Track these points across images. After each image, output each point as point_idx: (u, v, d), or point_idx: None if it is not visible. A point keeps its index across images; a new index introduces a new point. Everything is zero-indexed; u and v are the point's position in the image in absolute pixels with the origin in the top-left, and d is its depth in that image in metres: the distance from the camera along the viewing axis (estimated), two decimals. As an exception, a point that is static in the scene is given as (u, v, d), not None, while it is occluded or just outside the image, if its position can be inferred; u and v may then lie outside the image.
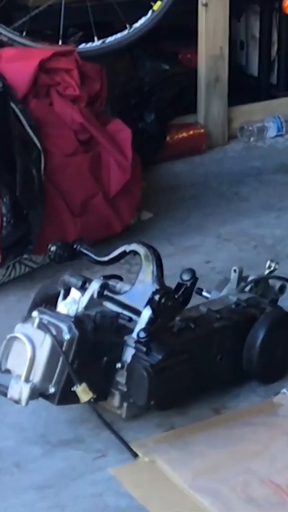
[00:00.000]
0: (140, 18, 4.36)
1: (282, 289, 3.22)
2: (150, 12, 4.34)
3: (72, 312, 2.80)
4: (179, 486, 2.59)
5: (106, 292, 2.90)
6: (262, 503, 2.51)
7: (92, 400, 2.69)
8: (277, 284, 3.23)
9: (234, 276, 3.16)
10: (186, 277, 2.93)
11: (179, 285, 2.91)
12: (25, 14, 4.38)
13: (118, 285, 2.98)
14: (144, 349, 2.74)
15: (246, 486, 2.55)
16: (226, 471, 2.61)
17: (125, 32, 4.33)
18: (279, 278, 3.25)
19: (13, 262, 3.62)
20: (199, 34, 4.79)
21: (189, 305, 2.98)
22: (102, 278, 2.95)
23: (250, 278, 3.19)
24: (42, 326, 2.70)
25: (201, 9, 4.72)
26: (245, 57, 5.35)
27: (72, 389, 2.65)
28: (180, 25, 4.79)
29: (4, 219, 3.44)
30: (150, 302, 2.81)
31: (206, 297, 3.14)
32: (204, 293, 3.15)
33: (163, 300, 2.79)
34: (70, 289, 2.89)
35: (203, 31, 4.76)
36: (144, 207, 4.13)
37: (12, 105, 3.57)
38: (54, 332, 2.68)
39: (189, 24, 4.76)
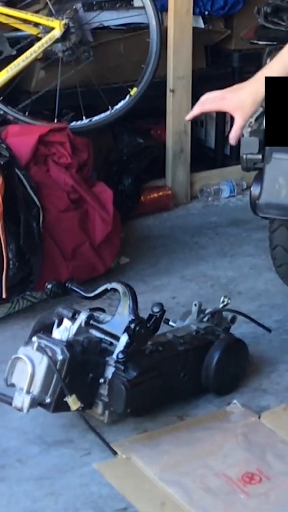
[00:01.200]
0: (120, 101, 4.30)
1: (233, 320, 3.24)
2: (128, 96, 4.30)
3: (64, 338, 2.83)
4: (150, 478, 2.60)
5: (91, 322, 2.93)
6: (217, 492, 2.53)
7: (80, 408, 2.72)
8: (229, 315, 3.24)
9: (194, 309, 3.18)
10: (156, 309, 2.95)
11: (150, 316, 2.93)
12: (27, 98, 4.29)
13: (101, 316, 3.00)
14: (122, 367, 2.78)
15: (203, 478, 2.58)
16: (187, 466, 2.66)
17: (108, 112, 4.28)
18: (230, 310, 3.27)
19: (17, 298, 3.61)
20: (167, 114, 4.73)
21: (158, 332, 2.99)
22: (88, 310, 2.98)
23: (207, 311, 3.20)
24: (40, 349, 2.73)
25: (169, 94, 4.66)
26: (204, 132, 5.26)
27: (64, 399, 2.69)
28: (152, 106, 4.70)
29: (11, 262, 3.43)
30: (127, 329, 2.83)
31: (172, 326, 3.15)
32: (171, 323, 3.15)
33: (137, 328, 2.82)
34: (63, 319, 2.93)
35: (170, 112, 4.69)
36: (122, 253, 4.08)
37: (17, 171, 3.57)
38: (50, 353, 2.70)
39: (159, 106, 4.68)
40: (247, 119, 2.58)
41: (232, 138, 2.60)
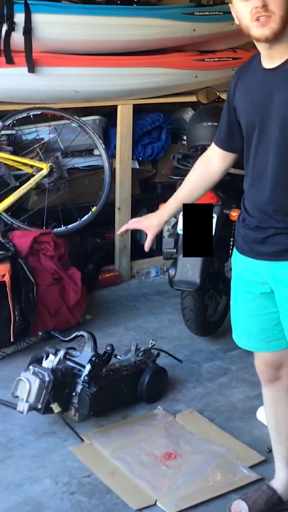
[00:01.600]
0: (85, 215, 4.29)
1: (157, 355, 3.32)
2: (90, 212, 4.29)
3: (50, 366, 2.92)
4: (104, 456, 2.74)
5: (67, 356, 3.02)
6: (147, 465, 2.68)
7: (60, 411, 2.85)
8: (155, 352, 3.32)
9: (133, 348, 3.28)
10: (108, 348, 3.04)
11: (104, 353, 3.03)
12: (26, 213, 4.23)
13: (74, 353, 3.08)
14: (87, 385, 2.88)
15: (139, 456, 2.73)
16: (128, 448, 2.79)
17: (77, 222, 4.27)
18: (156, 349, 3.34)
19: (20, 341, 3.62)
20: (115, 223, 4.67)
21: (110, 363, 3.08)
22: (65, 349, 3.05)
23: (141, 349, 3.29)
24: (34, 373, 2.86)
25: (116, 211, 4.64)
26: (139, 234, 4.92)
27: (50, 406, 2.81)
28: (106, 219, 4.62)
29: (16, 318, 3.46)
30: (90, 361, 2.94)
31: (119, 359, 3.22)
32: (118, 357, 3.22)
33: (96, 360, 2.94)
34: (49, 354, 3.01)
35: (117, 222, 4.63)
36: (87, 312, 4.07)
37: (19, 260, 3.62)
38: (40, 376, 2.83)
39: (110, 218, 4.65)
40: (155, 234, 2.48)
41: (146, 247, 2.51)
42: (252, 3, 1.94)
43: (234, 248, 2.32)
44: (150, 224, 2.46)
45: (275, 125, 2.04)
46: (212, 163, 2.38)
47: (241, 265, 2.27)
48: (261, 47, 2.05)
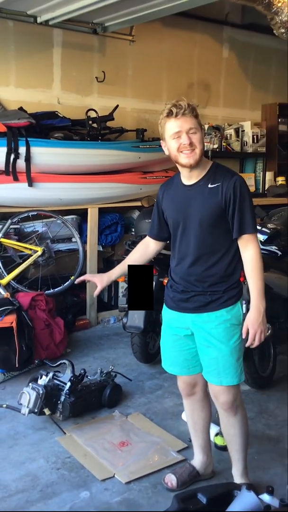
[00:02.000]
0: (66, 282, 4.27)
1: (115, 376, 3.33)
2: (70, 280, 4.29)
3: (43, 383, 2.97)
4: (79, 444, 2.83)
5: (54, 377, 3.06)
6: (108, 450, 2.75)
7: (50, 414, 2.92)
8: (114, 373, 3.35)
9: (98, 371, 3.32)
10: (82, 371, 3.15)
11: (79, 374, 3.10)
12: (26, 280, 4.17)
13: (59, 374, 3.10)
14: (68, 396, 2.98)
15: (103, 444, 2.80)
16: (96, 439, 2.85)
17: (61, 286, 4.23)
18: (114, 372, 3.37)
19: (23, 367, 3.60)
20: (86, 288, 4.58)
21: (83, 381, 3.13)
22: (53, 372, 3.09)
23: (104, 371, 3.31)
24: (33, 388, 2.97)
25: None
26: (104, 295, 4.98)
27: (43, 410, 2.92)
28: (79, 285, 4.02)
29: (21, 352, 3.46)
30: (70, 380, 3.04)
31: (89, 378, 3.22)
32: (88, 377, 3.22)
33: (74, 380, 3.05)
34: (42, 375, 3.05)
35: (88, 287, 4.55)
36: (67, 347, 4.02)
37: (22, 312, 3.62)
38: (36, 390, 2.92)
39: (83, 285, 4.41)
40: (102, 287, 2.44)
41: (95, 294, 2.47)
42: (181, 141, 2.06)
43: (164, 305, 2.37)
44: (101, 279, 2.44)
45: (194, 223, 2.14)
46: (149, 246, 2.45)
47: (169, 316, 2.32)
48: (183, 171, 2.16)
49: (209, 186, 2.12)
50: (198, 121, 2.10)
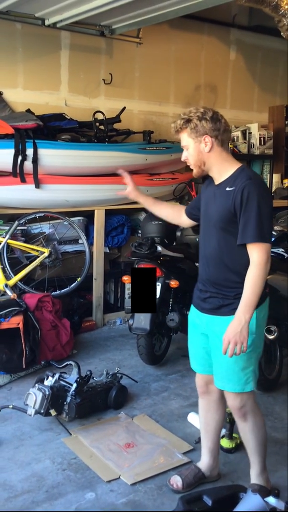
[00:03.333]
0: (73, 283, 4.25)
1: (121, 377, 3.31)
2: (76, 281, 4.25)
3: (49, 384, 2.98)
4: (85, 445, 2.81)
5: (60, 378, 3.06)
6: (114, 451, 2.74)
7: (56, 415, 2.92)
8: (119, 376, 3.31)
9: (104, 372, 3.32)
10: (88, 372, 3.15)
11: (85, 375, 3.11)
12: (34, 281, 4.16)
13: (65, 375, 3.11)
14: (74, 397, 2.97)
15: (108, 445, 2.79)
16: (101, 440, 2.84)
17: (68, 288, 4.22)
18: (120, 373, 3.35)
19: (29, 368, 3.61)
20: (93, 289, 4.58)
21: (89, 382, 3.12)
22: (59, 373, 3.09)
23: (110, 373, 3.31)
24: (39, 389, 2.97)
25: (94, 281, 4.56)
26: (109, 297, 4.94)
27: (49, 411, 2.91)
28: (87, 286, 4.53)
29: (26, 352, 3.47)
30: (76, 381, 3.04)
31: (95, 380, 3.22)
32: (94, 378, 3.23)
33: (80, 381, 3.03)
34: (48, 376, 3.05)
35: (94, 288, 4.57)
36: (73, 348, 4.04)
37: (29, 313, 3.63)
38: (43, 391, 2.92)
39: (90, 286, 4.58)
40: (133, 188, 2.49)
41: (126, 192, 2.52)
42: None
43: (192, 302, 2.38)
44: (134, 190, 2.53)
45: (211, 223, 2.17)
46: (183, 214, 2.47)
47: (193, 313, 2.36)
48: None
49: (227, 189, 2.12)
50: (193, 132, 2.12)
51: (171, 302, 3.70)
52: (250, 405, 2.27)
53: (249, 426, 2.30)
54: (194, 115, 2.11)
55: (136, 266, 3.66)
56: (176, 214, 2.50)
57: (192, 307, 2.36)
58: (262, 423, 2.34)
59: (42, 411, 2.87)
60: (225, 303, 2.17)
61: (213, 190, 2.20)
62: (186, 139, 2.16)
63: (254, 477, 2.37)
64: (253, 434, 2.31)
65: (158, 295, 3.55)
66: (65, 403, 2.94)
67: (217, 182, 2.19)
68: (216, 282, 2.19)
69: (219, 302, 2.18)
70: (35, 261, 4.09)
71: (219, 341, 2.14)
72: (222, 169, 2.15)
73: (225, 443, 2.76)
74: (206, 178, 2.31)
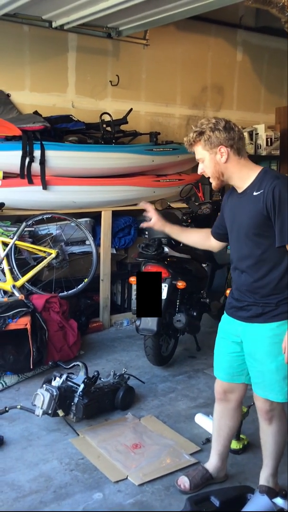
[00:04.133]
0: (80, 284, 4.24)
1: (128, 378, 3.32)
2: (83, 282, 4.24)
3: (56, 385, 2.98)
4: (93, 445, 2.82)
5: (68, 378, 3.07)
6: (121, 452, 2.75)
7: (63, 415, 2.93)
8: (126, 376, 3.35)
9: (112, 373, 3.33)
10: (95, 373, 3.17)
11: (93, 376, 3.12)
12: (41, 282, 4.15)
13: (72, 376, 3.11)
14: (81, 398, 2.98)
15: (115, 446, 2.80)
16: (109, 440, 2.85)
17: (75, 289, 4.20)
18: (127, 374, 3.37)
19: (37, 369, 3.62)
20: (100, 291, 4.59)
21: (96, 383, 3.14)
22: (67, 373, 3.10)
23: (117, 374, 3.32)
24: (47, 389, 2.98)
25: (101, 282, 4.53)
26: (116, 298, 4.98)
27: (56, 411, 2.92)
28: (94, 287, 4.53)
29: (34, 353, 3.48)
30: (83, 382, 3.04)
31: (102, 380, 3.23)
32: (101, 379, 3.24)
33: (87, 381, 3.03)
34: (56, 377, 3.06)
35: (101, 290, 4.60)
36: (81, 349, 4.04)
37: (36, 314, 3.63)
38: (50, 392, 2.93)
39: (97, 287, 4.56)
40: (154, 224, 2.45)
41: (151, 223, 2.47)
42: None
43: (225, 309, 2.36)
44: (159, 220, 2.46)
45: (242, 232, 2.12)
46: (210, 239, 2.43)
47: (225, 320, 2.33)
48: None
49: (254, 193, 2.07)
50: (207, 144, 2.09)
51: (178, 303, 3.70)
52: (279, 410, 2.26)
53: (272, 430, 2.29)
54: (206, 127, 2.08)
55: (143, 268, 3.68)
56: (204, 239, 2.46)
57: (226, 315, 2.34)
58: (285, 430, 2.32)
59: (49, 412, 2.87)
60: (266, 311, 2.13)
61: (237, 199, 2.16)
62: (200, 152, 2.12)
63: (264, 479, 2.37)
64: (274, 438, 2.31)
65: (164, 296, 3.54)
66: (72, 403, 2.95)
67: (240, 190, 2.15)
68: (253, 291, 2.15)
69: (259, 310, 2.15)
70: (43, 262, 4.10)
71: (258, 350, 2.15)
72: (243, 175, 2.12)
73: (233, 444, 2.74)
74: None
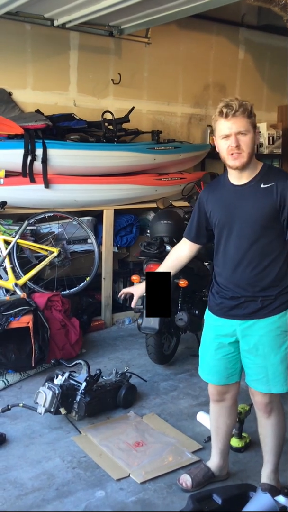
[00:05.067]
0: (82, 283, 4.26)
1: (130, 376, 3.33)
2: (85, 281, 4.26)
3: (59, 383, 2.99)
4: (94, 443, 2.82)
5: (70, 376, 3.07)
6: (123, 449, 2.76)
7: (66, 413, 2.94)
8: (129, 374, 3.34)
9: (113, 372, 3.35)
10: (97, 371, 3.14)
11: (95, 374, 3.10)
12: (43, 281, 4.19)
13: (75, 374, 3.11)
14: (83, 396, 2.97)
15: (118, 444, 2.80)
16: (111, 438, 2.86)
17: (77, 287, 4.21)
18: (129, 372, 3.36)
19: (39, 367, 3.63)
20: (102, 289, 4.57)
21: (98, 381, 3.13)
22: (69, 372, 3.09)
23: (119, 372, 3.33)
24: (49, 387, 2.98)
25: (103, 280, 4.58)
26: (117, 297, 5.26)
27: (59, 409, 2.91)
28: (96, 286, 4.58)
29: (36, 351, 3.50)
30: (85, 380, 3.04)
31: (104, 379, 3.24)
32: (103, 377, 3.25)
33: (89, 380, 3.03)
34: (58, 375, 3.06)
35: (103, 288, 4.60)
36: (83, 348, 4.03)
37: (38, 312, 3.62)
38: (52, 390, 2.93)
39: (99, 285, 4.58)
40: (138, 297, 2.56)
41: (132, 304, 2.59)
42: (229, 142, 2.03)
43: (207, 309, 2.32)
44: (136, 290, 2.57)
45: (244, 224, 2.08)
46: (183, 251, 2.42)
47: (214, 323, 2.28)
48: (233, 171, 2.12)
49: (262, 186, 2.06)
50: (252, 122, 2.06)
51: (180, 302, 3.71)
52: (277, 402, 2.26)
53: (271, 424, 2.29)
54: (249, 106, 2.07)
55: (145, 267, 3.68)
56: (180, 258, 2.45)
57: (213, 317, 2.29)
58: (284, 423, 2.32)
59: (52, 410, 2.88)
60: (265, 305, 2.12)
61: (236, 191, 2.12)
62: (246, 124, 2.05)
63: (265, 476, 2.37)
64: (273, 432, 2.31)
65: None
66: (74, 401, 2.95)
67: (241, 181, 2.12)
68: (253, 284, 2.13)
69: (258, 305, 2.14)
70: (45, 261, 4.10)
71: (260, 344, 2.13)
72: (252, 165, 2.11)
73: (235, 442, 2.75)
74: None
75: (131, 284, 4.80)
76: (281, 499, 2.17)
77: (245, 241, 2.10)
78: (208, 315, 2.32)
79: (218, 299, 2.24)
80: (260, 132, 5.83)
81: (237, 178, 2.14)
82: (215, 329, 2.28)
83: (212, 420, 2.51)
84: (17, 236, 3.95)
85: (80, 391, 2.96)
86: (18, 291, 3.85)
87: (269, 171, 2.10)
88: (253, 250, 2.10)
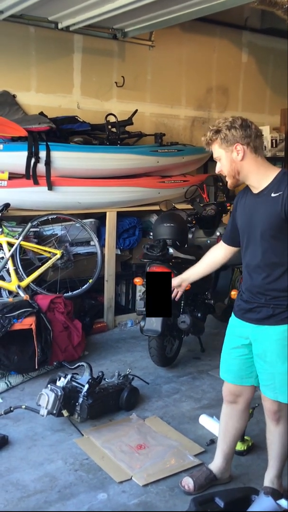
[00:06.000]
0: (85, 285, 4.26)
1: (132, 379, 3.34)
2: (88, 283, 4.27)
3: (61, 385, 2.99)
4: (97, 445, 2.82)
5: (72, 379, 3.09)
6: (126, 452, 2.75)
7: (68, 415, 2.93)
8: (131, 376, 3.34)
9: (116, 374, 3.34)
10: (100, 373, 3.16)
11: (97, 377, 3.11)
12: (46, 283, 4.16)
13: (77, 376, 3.13)
14: (86, 398, 2.97)
15: (120, 446, 2.80)
16: (113, 441, 2.85)
17: (80, 289, 4.24)
18: (131, 375, 3.38)
19: (41, 369, 3.64)
20: (104, 291, 4.59)
21: (101, 384, 3.12)
22: (71, 374, 3.11)
23: (121, 374, 3.32)
24: (51, 389, 2.99)
25: (105, 282, 4.53)
26: (120, 299, 4.97)
27: (61, 411, 2.91)
28: (98, 288, 4.54)
29: (38, 353, 3.50)
30: (88, 382, 3.05)
31: (106, 381, 3.23)
32: (106, 380, 3.24)
33: (92, 382, 3.04)
34: (61, 377, 3.07)
35: (106, 290, 4.56)
36: (85, 350, 4.04)
37: (41, 314, 3.63)
38: (55, 392, 2.94)
39: (102, 287, 4.58)
40: (182, 291, 2.60)
41: (177, 298, 2.64)
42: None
43: (232, 312, 2.35)
44: (179, 280, 2.61)
45: (257, 233, 2.10)
46: (219, 253, 2.47)
47: (233, 323, 2.32)
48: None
49: (272, 195, 2.06)
50: (224, 142, 2.09)
51: (182, 304, 3.70)
52: (286, 410, 2.26)
53: (279, 431, 2.29)
54: (223, 125, 2.09)
55: (148, 269, 3.67)
56: (215, 259, 2.50)
57: (233, 317, 2.33)
58: None
59: (54, 412, 2.88)
60: (276, 313, 2.12)
61: (253, 200, 2.15)
62: (217, 150, 2.12)
63: (268, 480, 2.38)
64: (281, 439, 2.31)
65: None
66: (77, 404, 2.96)
67: (256, 190, 2.14)
68: (265, 293, 2.14)
69: (270, 312, 2.14)
70: (47, 263, 4.10)
71: (268, 352, 2.14)
72: (260, 175, 2.11)
73: (238, 445, 2.72)
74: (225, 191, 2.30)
75: (134, 286, 4.89)
76: (283, 502, 2.17)
77: (259, 250, 2.13)
78: (232, 316, 2.36)
79: (238, 301, 2.29)
80: (263, 135, 5.81)
81: (252, 187, 2.17)
82: (234, 328, 2.31)
83: (221, 421, 2.50)
84: (20, 238, 3.96)
85: (82, 393, 2.96)
86: (21, 293, 3.85)
87: (283, 178, 2.08)
88: (265, 259, 2.11)
